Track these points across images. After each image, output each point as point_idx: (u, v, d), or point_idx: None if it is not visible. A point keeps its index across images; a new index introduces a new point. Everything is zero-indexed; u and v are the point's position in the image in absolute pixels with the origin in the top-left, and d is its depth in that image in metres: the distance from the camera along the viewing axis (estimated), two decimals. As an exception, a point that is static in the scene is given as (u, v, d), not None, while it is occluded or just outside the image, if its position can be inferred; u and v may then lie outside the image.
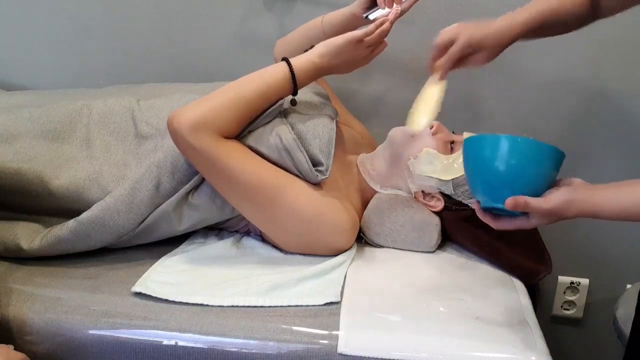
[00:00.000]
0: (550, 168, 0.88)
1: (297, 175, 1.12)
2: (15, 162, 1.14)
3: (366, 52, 1.14)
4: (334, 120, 1.19)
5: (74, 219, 1.09)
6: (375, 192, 1.24)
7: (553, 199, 0.85)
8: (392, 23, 1.14)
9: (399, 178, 1.21)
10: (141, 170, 1.12)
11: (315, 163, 1.12)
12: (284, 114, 1.16)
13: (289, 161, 1.10)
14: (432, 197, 1.20)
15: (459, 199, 1.17)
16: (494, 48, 1.07)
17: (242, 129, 1.11)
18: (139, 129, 1.21)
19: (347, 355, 0.92)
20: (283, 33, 1.38)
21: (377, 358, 0.92)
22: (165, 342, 0.96)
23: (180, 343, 0.95)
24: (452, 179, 1.16)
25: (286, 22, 1.49)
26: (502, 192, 0.86)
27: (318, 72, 1.14)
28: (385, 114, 1.55)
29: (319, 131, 1.13)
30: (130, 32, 1.57)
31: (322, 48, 1.12)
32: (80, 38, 1.59)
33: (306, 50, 1.19)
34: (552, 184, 0.89)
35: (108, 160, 1.17)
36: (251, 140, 1.11)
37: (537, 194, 0.87)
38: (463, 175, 1.15)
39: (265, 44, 1.46)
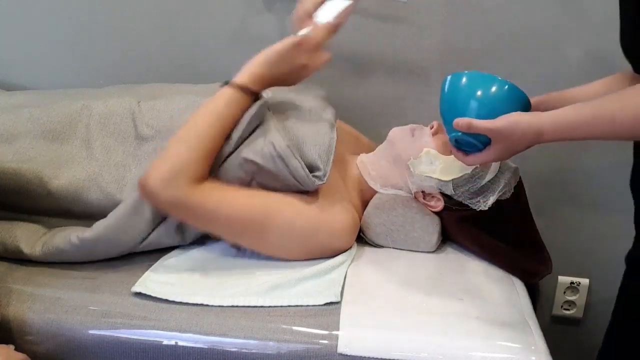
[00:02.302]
0: (509, 104, 0.93)
1: (294, 183, 1.10)
2: (15, 162, 1.14)
3: (304, 59, 1.11)
4: (334, 127, 1.19)
5: (77, 236, 1.07)
6: (375, 192, 1.24)
7: (500, 118, 0.89)
8: (327, 31, 1.12)
9: (399, 178, 1.21)
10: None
11: (313, 169, 1.11)
12: (282, 120, 1.16)
13: (284, 169, 1.08)
14: (433, 197, 1.20)
15: (459, 199, 1.17)
16: None
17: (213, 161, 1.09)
18: (139, 131, 1.21)
19: (347, 355, 0.92)
20: (283, 33, 1.38)
21: (377, 358, 0.92)
22: (165, 342, 0.96)
23: (180, 343, 0.95)
24: (453, 179, 1.16)
25: (286, 22, 1.49)
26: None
27: (262, 82, 1.12)
28: (385, 114, 1.55)
29: (319, 138, 1.13)
30: (130, 32, 1.57)
31: (261, 57, 1.11)
32: (80, 38, 1.59)
33: None
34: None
35: (108, 161, 1.17)
36: (246, 151, 1.10)
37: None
38: (463, 175, 1.15)
39: (265, 44, 1.44)
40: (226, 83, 1.11)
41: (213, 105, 1.09)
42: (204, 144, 1.06)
